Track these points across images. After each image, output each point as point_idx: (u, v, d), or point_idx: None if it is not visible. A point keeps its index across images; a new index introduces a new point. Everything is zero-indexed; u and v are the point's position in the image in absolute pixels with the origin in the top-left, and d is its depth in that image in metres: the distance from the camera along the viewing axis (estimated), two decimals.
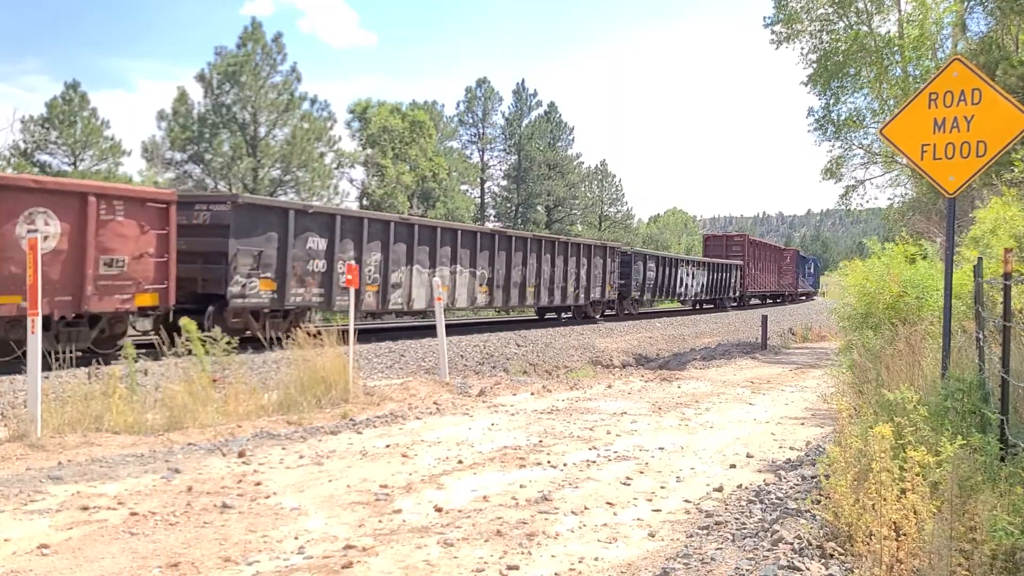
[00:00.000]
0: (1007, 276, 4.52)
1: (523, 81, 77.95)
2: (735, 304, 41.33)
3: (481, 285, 19.50)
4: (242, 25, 73.60)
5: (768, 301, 50.60)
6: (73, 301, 10.82)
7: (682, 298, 34.21)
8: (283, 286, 14.04)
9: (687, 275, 33.83)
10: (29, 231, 9.00)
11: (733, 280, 40.14)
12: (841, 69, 23.71)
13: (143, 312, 12.21)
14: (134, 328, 13.19)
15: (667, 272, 31.61)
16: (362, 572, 4.07)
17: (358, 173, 44.91)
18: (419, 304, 17.48)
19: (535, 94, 61.05)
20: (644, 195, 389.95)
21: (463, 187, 56.24)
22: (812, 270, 64.00)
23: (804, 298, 60.08)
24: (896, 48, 22.61)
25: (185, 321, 8.12)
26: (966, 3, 19.80)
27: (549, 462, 6.60)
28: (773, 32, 24.41)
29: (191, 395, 7.78)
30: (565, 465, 6.51)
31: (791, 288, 55.18)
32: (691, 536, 4.66)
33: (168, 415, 7.58)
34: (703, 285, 35.89)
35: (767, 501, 5.27)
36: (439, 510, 5.18)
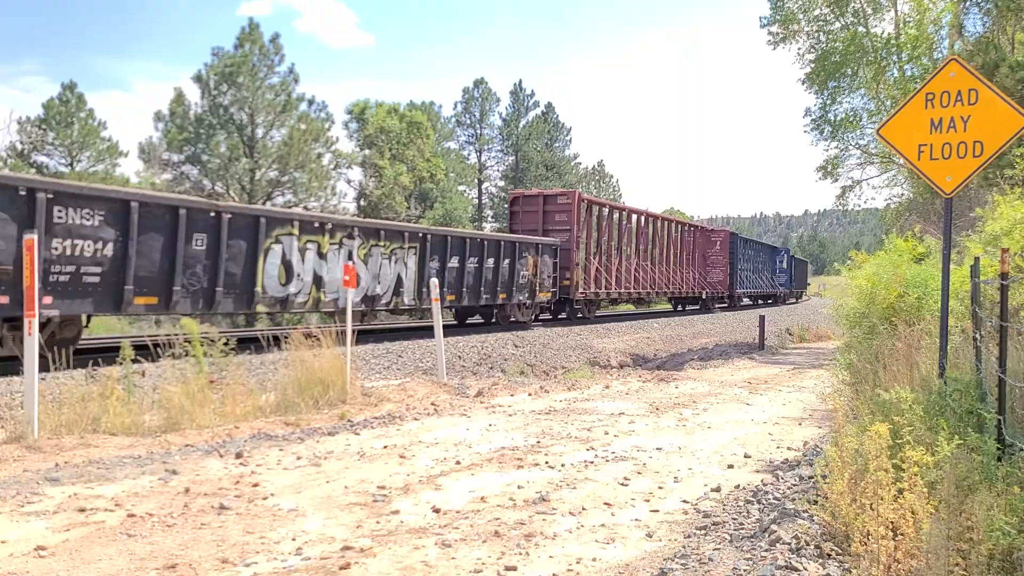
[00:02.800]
0: (1004, 276, 4.53)
1: (520, 82, 78.16)
2: (532, 319, 21.78)
3: None
4: (239, 26, 73.71)
5: (681, 308, 35.25)
6: None
7: (321, 306, 15.11)
8: None
9: (309, 257, 14.54)
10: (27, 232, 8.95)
11: (532, 273, 21.21)
12: (839, 69, 23.76)
13: None
14: None
15: (197, 245, 12.28)
16: (360, 573, 4.07)
17: (356, 174, 44.99)
18: None
19: (532, 95, 61.04)
20: (642, 195, 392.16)
21: (461, 188, 56.23)
22: (785, 264, 51.00)
23: (766, 302, 46.99)
24: (893, 48, 22.67)
25: (185, 321, 8.12)
26: (963, 3, 19.85)
27: (547, 463, 6.60)
28: (770, 33, 24.49)
29: (188, 396, 7.77)
30: (563, 466, 6.51)
31: (721, 288, 37.27)
32: (689, 536, 4.66)
33: (165, 416, 7.57)
34: (399, 280, 16.83)
35: (765, 501, 5.27)
36: (437, 511, 5.17)
